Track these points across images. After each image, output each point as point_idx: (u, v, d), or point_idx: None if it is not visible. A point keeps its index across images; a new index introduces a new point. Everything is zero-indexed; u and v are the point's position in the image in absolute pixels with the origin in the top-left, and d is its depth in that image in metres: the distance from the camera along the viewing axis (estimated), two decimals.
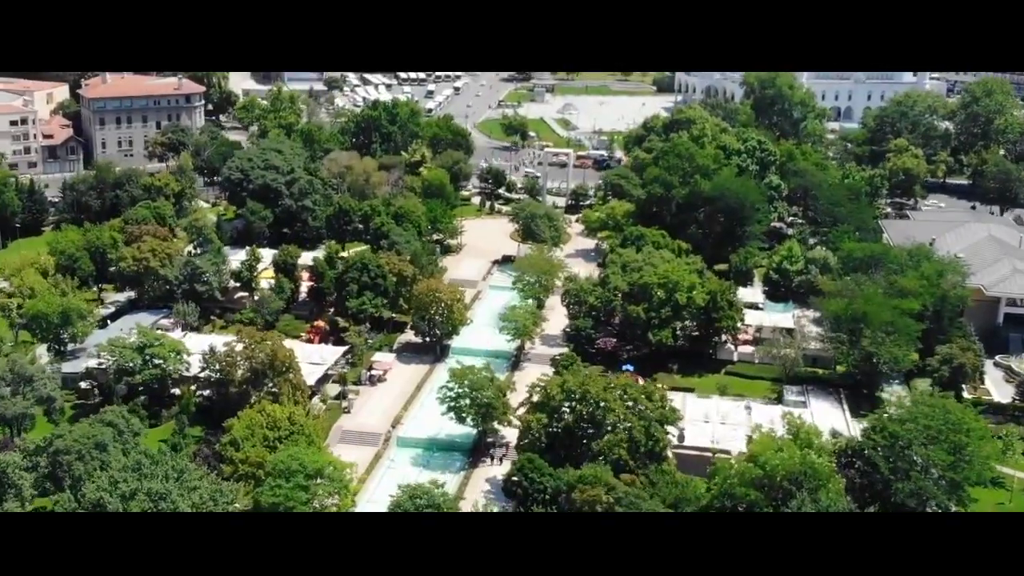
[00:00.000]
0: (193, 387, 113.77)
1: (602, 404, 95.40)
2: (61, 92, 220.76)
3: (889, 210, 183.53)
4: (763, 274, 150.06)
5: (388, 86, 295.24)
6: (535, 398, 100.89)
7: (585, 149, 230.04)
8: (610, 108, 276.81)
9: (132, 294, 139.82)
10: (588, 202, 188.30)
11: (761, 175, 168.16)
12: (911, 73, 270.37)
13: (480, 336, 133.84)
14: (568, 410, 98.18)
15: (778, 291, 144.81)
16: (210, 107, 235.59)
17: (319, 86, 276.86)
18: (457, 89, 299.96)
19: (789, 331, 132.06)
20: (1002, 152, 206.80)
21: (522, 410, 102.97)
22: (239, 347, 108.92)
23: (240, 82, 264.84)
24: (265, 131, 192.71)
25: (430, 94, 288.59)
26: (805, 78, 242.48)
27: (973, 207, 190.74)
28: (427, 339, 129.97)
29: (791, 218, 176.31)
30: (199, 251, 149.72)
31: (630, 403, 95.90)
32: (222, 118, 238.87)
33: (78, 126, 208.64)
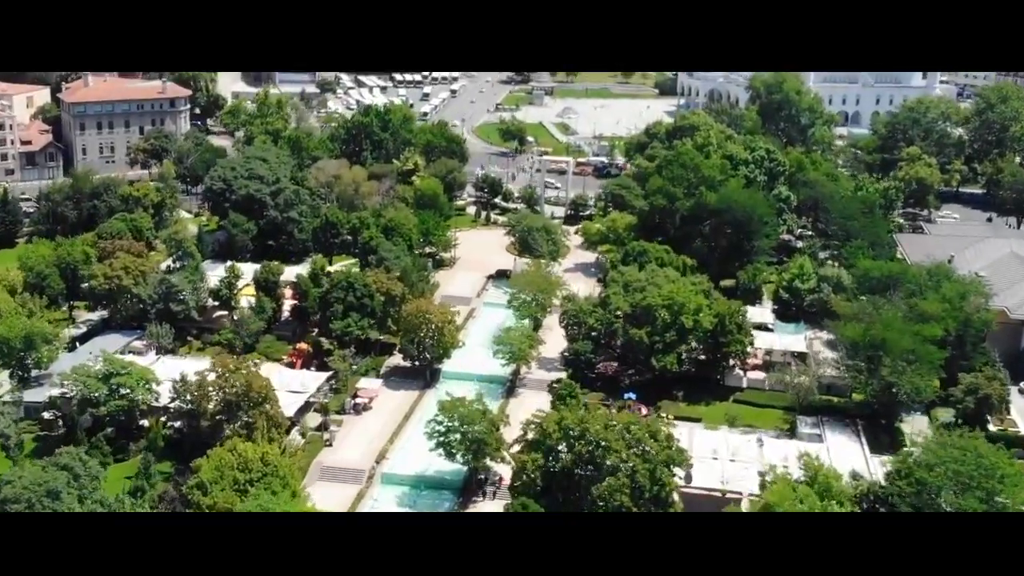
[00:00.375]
0: (163, 418, 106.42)
1: (603, 444, 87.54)
2: (42, 96, 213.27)
3: (902, 221, 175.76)
4: (772, 291, 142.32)
5: (383, 88, 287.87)
6: (530, 435, 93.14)
7: (585, 155, 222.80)
8: (611, 112, 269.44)
9: (105, 313, 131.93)
10: (588, 212, 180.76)
11: (769, 186, 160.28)
12: (920, 76, 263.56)
13: (473, 359, 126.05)
14: (566, 449, 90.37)
15: (788, 310, 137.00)
16: (197, 111, 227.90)
17: (312, 88, 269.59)
18: (454, 92, 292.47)
19: (801, 355, 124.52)
20: (1018, 160, 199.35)
21: (516, 447, 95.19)
22: (211, 376, 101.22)
23: (230, 84, 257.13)
24: (251, 137, 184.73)
25: (426, 96, 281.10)
26: (812, 82, 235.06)
27: (989, 219, 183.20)
28: (416, 363, 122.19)
29: (800, 230, 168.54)
30: (178, 265, 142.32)
31: (634, 444, 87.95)
32: (209, 122, 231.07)
33: (58, 131, 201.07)
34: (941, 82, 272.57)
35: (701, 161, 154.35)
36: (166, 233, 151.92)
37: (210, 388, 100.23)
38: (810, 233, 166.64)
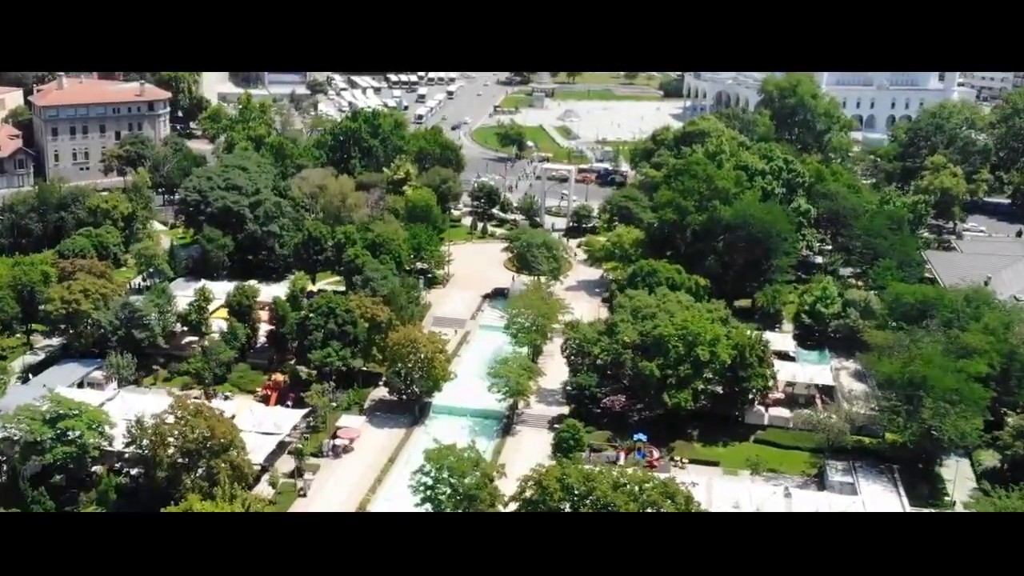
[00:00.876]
0: (118, 465, 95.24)
1: (611, 507, 76.27)
2: (14, 98, 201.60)
3: (926, 234, 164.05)
4: (792, 313, 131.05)
5: (377, 90, 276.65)
6: (528, 493, 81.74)
7: (587, 161, 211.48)
8: (614, 114, 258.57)
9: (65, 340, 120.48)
10: (591, 224, 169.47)
11: (788, 199, 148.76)
12: (936, 78, 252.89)
13: (467, 391, 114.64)
14: (569, 511, 79.06)
15: (811, 335, 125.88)
16: (180, 114, 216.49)
17: (302, 90, 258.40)
18: (450, 93, 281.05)
19: (827, 389, 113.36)
20: None
21: (513, 506, 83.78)
22: (170, 419, 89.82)
23: (215, 85, 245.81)
24: (232, 144, 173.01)
25: (421, 99, 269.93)
26: (825, 85, 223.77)
27: (1020, 233, 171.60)
28: (403, 397, 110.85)
29: (818, 244, 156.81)
30: (147, 284, 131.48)
31: (647, 506, 76.63)
32: (193, 126, 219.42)
33: (30, 137, 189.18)
34: (959, 84, 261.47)
35: (714, 171, 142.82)
36: (138, 247, 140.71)
37: (167, 434, 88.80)
38: (829, 248, 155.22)
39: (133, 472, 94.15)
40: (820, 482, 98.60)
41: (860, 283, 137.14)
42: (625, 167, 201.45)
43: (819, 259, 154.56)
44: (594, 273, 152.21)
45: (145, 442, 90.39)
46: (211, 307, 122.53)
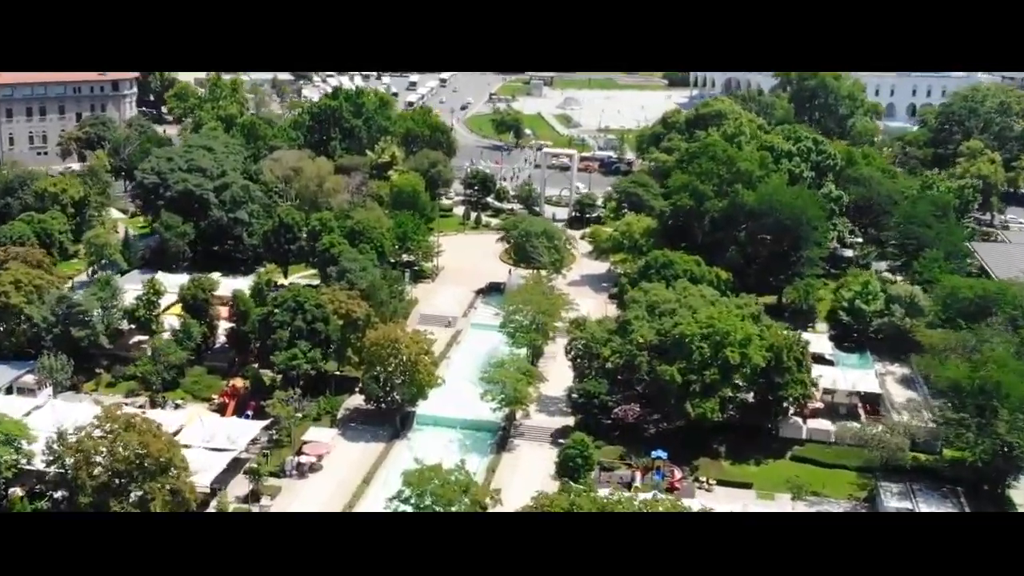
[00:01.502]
0: (38, 487, 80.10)
1: None
2: None
3: (974, 227, 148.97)
4: (825, 311, 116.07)
5: (365, 76, 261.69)
6: None
7: (589, 149, 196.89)
8: (617, 103, 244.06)
9: None
10: (596, 214, 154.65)
11: (817, 183, 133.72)
12: None
13: (457, 399, 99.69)
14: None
15: (848, 336, 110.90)
16: (151, 97, 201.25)
17: (285, 75, 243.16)
18: (443, 81, 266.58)
19: (872, 397, 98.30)
20: None
21: None
22: (97, 434, 74.55)
23: None
24: (200, 124, 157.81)
25: (412, 86, 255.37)
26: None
27: None
28: (382, 406, 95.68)
29: (849, 236, 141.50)
30: (98, 276, 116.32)
31: None
32: (164, 110, 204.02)
33: None
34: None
35: (735, 152, 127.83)
36: (88, 236, 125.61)
37: (92, 451, 73.47)
38: (860, 240, 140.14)
39: (56, 495, 78.80)
40: (872, 508, 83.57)
41: (899, 277, 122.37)
42: (630, 155, 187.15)
43: (848, 252, 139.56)
44: (600, 267, 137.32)
45: (69, 460, 75.25)
46: (165, 302, 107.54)
